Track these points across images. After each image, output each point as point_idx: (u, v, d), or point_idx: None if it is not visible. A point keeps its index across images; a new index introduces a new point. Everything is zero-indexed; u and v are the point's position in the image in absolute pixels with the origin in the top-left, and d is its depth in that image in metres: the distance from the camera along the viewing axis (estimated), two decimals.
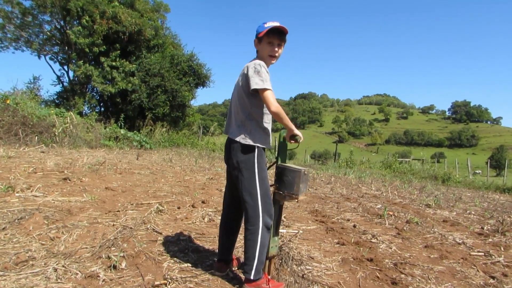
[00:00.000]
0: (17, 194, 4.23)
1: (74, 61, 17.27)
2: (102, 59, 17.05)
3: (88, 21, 16.47)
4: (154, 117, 18.31)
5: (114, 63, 17.17)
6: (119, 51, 17.49)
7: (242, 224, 2.54)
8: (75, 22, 17.33)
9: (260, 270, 2.35)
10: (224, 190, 2.58)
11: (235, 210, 2.58)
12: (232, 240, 2.66)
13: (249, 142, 2.34)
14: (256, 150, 2.35)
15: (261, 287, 2.32)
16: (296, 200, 2.42)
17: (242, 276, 2.50)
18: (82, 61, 16.89)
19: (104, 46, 17.08)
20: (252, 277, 2.30)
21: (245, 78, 2.31)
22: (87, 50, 16.62)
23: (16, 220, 3.25)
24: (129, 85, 17.39)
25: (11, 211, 3.56)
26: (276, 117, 2.30)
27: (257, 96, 2.31)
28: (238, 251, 3.09)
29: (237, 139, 2.35)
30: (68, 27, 17.37)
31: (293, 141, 2.45)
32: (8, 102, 10.74)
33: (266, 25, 2.34)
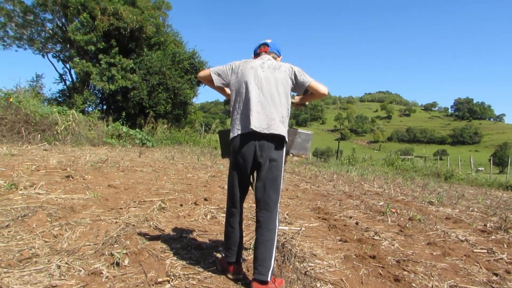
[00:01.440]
0: (20, 192, 4.24)
1: (73, 58, 17.29)
2: (101, 56, 17.05)
3: (87, 17, 16.45)
4: (156, 115, 18.32)
5: (112, 60, 17.15)
6: (117, 48, 17.45)
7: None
8: (76, 20, 17.34)
9: (273, 271, 2.31)
10: (232, 190, 2.48)
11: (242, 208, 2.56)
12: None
13: (286, 138, 2.41)
14: (285, 148, 2.42)
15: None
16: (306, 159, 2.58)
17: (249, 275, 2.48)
18: (78, 58, 16.88)
19: (103, 43, 17.07)
20: (268, 279, 2.22)
21: (293, 75, 2.50)
22: (85, 47, 16.62)
23: (20, 218, 3.27)
24: (129, 82, 17.38)
25: (14, 209, 3.58)
26: (320, 96, 2.59)
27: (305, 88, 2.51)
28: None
29: (284, 134, 2.37)
30: (69, 25, 17.39)
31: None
32: (11, 100, 10.78)
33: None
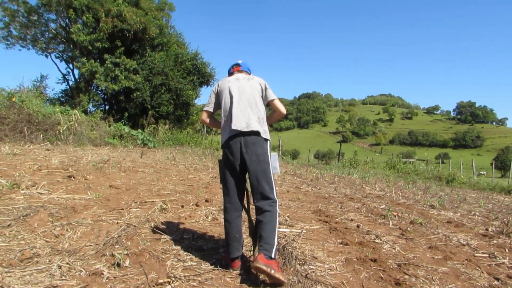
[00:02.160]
0: (22, 191, 4.26)
1: (78, 58, 17.34)
2: (106, 56, 17.11)
3: (89, 18, 16.51)
4: (158, 116, 18.36)
5: (117, 60, 17.21)
6: (123, 48, 17.52)
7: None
8: (80, 21, 17.42)
9: (276, 251, 2.50)
10: (226, 186, 2.76)
11: (239, 205, 2.77)
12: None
13: (267, 136, 2.75)
14: (269, 143, 2.75)
15: (277, 267, 2.39)
16: None
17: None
18: (85, 58, 16.94)
19: (108, 43, 17.14)
20: (273, 256, 2.43)
21: (264, 88, 2.91)
22: (89, 47, 16.68)
23: (21, 217, 3.28)
24: (132, 83, 17.43)
25: (16, 208, 3.59)
26: (280, 118, 2.98)
27: (268, 101, 2.92)
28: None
29: (263, 133, 2.71)
30: (72, 25, 17.46)
31: None
32: (13, 100, 10.82)
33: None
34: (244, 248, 2.99)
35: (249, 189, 2.82)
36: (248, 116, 2.71)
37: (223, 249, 2.98)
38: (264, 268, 2.29)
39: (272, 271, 2.30)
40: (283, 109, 2.91)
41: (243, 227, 3.03)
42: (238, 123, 2.67)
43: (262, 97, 2.88)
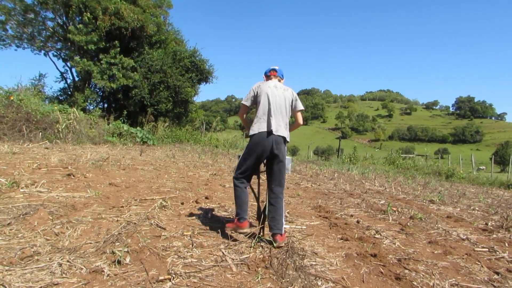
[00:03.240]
0: (21, 190, 4.25)
1: (74, 57, 17.27)
2: (101, 56, 17.04)
3: (87, 16, 16.42)
4: (157, 113, 18.32)
5: (113, 60, 17.15)
6: (118, 48, 17.44)
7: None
8: (77, 18, 17.33)
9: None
10: (246, 167, 3.42)
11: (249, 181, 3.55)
12: None
13: (288, 139, 3.44)
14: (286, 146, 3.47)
15: (284, 237, 3.27)
16: None
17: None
18: (79, 57, 16.86)
19: (103, 43, 17.05)
20: (283, 232, 3.25)
21: (295, 99, 3.54)
22: (85, 47, 16.60)
23: (21, 216, 3.27)
24: (130, 81, 17.38)
25: (16, 207, 3.59)
26: (297, 127, 3.70)
27: (296, 111, 3.59)
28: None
29: (287, 138, 3.41)
30: (70, 23, 17.37)
31: None
32: (11, 98, 10.78)
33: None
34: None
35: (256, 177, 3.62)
36: (278, 123, 3.36)
37: (232, 217, 3.85)
38: (283, 244, 3.15)
39: (284, 243, 3.18)
40: (301, 121, 3.65)
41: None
42: (273, 126, 3.31)
43: (291, 106, 3.52)
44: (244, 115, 3.67)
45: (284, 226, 3.29)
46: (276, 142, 3.28)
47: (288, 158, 3.56)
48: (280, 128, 3.34)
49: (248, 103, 3.54)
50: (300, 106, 3.55)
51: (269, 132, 3.28)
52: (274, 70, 3.68)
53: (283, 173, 3.37)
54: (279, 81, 3.66)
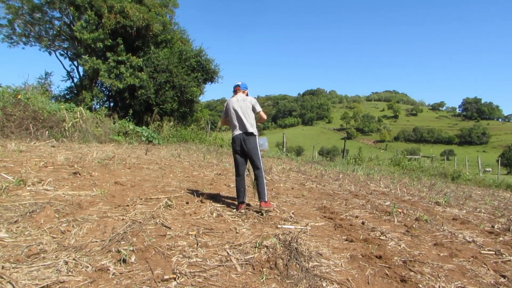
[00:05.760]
0: (28, 188, 4.29)
1: (82, 56, 17.37)
2: (108, 54, 17.11)
3: (91, 15, 16.49)
4: (162, 113, 18.37)
5: (120, 58, 17.21)
6: (123, 45, 17.49)
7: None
8: (83, 17, 17.43)
9: (268, 195, 4.78)
10: (236, 165, 4.76)
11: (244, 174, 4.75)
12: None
13: (255, 133, 4.64)
14: (257, 136, 4.68)
15: (269, 204, 4.56)
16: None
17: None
18: (87, 56, 16.94)
19: (110, 40, 17.12)
20: (266, 199, 4.51)
21: (254, 104, 4.74)
22: (92, 45, 16.68)
23: (28, 213, 3.30)
24: (137, 80, 17.44)
25: (22, 205, 3.62)
26: (263, 121, 5.15)
27: (256, 113, 4.82)
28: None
29: (254, 132, 4.61)
30: (76, 22, 17.47)
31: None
32: (19, 97, 10.89)
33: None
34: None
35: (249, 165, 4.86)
36: (245, 124, 4.60)
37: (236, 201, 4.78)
38: (265, 208, 4.40)
39: (268, 208, 4.46)
40: (264, 116, 5.01)
41: None
42: (242, 128, 4.62)
43: (252, 109, 4.71)
44: (224, 122, 4.99)
45: (266, 195, 4.52)
46: (244, 139, 4.55)
47: (263, 138, 5.05)
48: (247, 127, 4.58)
49: (224, 116, 4.88)
50: (258, 108, 4.76)
51: (240, 133, 4.57)
52: (238, 86, 4.90)
53: (256, 159, 4.54)
54: (243, 92, 4.88)
